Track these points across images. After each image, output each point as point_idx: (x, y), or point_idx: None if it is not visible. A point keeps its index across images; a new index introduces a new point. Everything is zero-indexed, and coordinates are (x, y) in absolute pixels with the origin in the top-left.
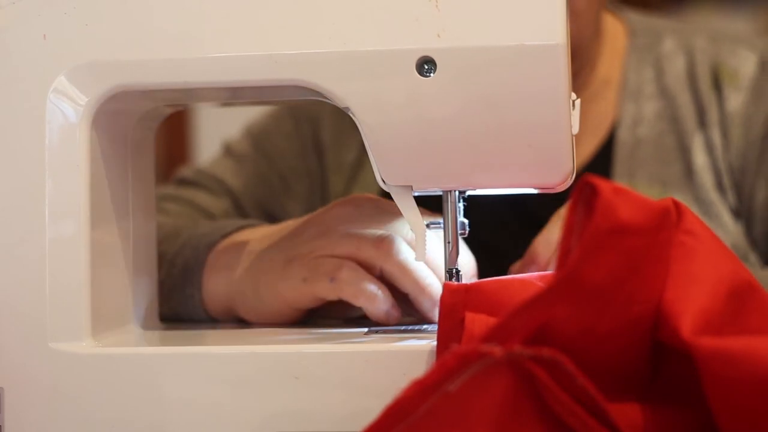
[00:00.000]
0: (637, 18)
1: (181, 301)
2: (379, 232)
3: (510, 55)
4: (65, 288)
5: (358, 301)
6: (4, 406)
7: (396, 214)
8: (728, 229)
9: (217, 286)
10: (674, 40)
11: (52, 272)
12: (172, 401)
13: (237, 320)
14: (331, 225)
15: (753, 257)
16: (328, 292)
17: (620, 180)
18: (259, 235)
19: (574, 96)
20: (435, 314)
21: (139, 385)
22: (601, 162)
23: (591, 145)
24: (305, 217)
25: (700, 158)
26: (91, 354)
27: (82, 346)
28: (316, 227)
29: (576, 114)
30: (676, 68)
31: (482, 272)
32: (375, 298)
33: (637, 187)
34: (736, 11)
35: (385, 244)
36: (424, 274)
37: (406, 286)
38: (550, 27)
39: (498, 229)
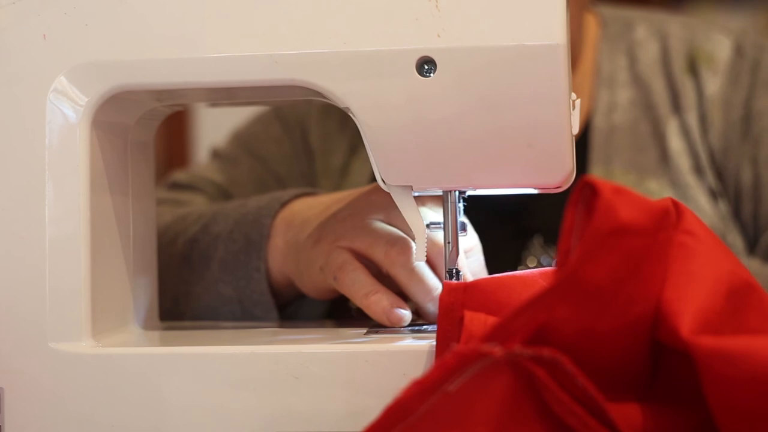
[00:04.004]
0: (608, 9)
1: (245, 275)
2: (396, 233)
3: (510, 55)
4: (65, 288)
5: (356, 302)
6: (4, 406)
7: (432, 208)
8: (704, 212)
9: (282, 260)
10: (646, 28)
11: (52, 272)
12: (172, 401)
13: (297, 294)
14: (361, 211)
15: (731, 238)
16: (335, 286)
17: (596, 167)
18: (315, 204)
19: (574, 96)
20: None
21: (139, 385)
22: (579, 148)
23: None
24: (350, 193)
25: (675, 143)
26: (91, 354)
27: (82, 346)
28: (348, 210)
29: (576, 114)
30: (649, 55)
31: None
32: (365, 299)
33: (613, 174)
34: (736, 11)
35: (395, 249)
36: (431, 283)
37: (410, 292)
38: (550, 27)
39: (485, 237)
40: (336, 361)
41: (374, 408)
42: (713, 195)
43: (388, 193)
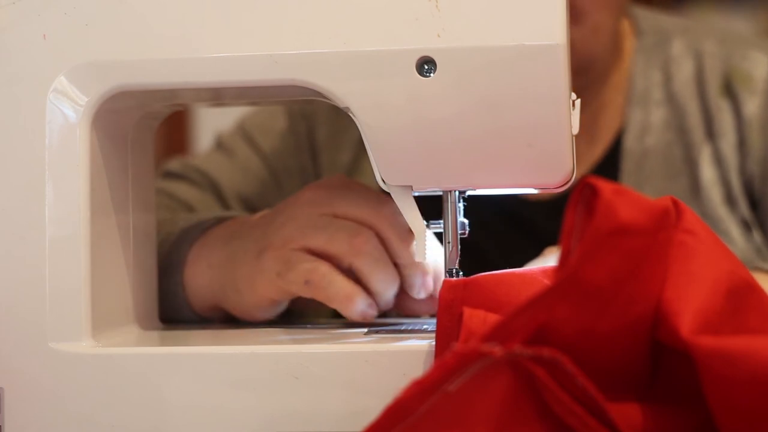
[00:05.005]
0: (644, 15)
1: (165, 299)
2: (351, 224)
3: (510, 55)
4: (65, 288)
5: (332, 304)
6: (4, 406)
7: (367, 192)
8: (736, 246)
9: (199, 282)
10: (683, 42)
11: (52, 272)
12: (171, 401)
13: (224, 316)
14: (302, 210)
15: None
16: (302, 291)
17: None
18: (236, 226)
19: (574, 96)
20: (416, 309)
21: (139, 385)
22: (608, 169)
23: (598, 150)
24: (278, 205)
25: (707, 172)
26: (91, 354)
27: (82, 346)
28: (286, 213)
29: (576, 114)
30: (684, 73)
31: None
32: (349, 301)
33: None
34: (736, 11)
35: (359, 239)
36: (394, 273)
37: (374, 280)
38: (550, 27)
39: (492, 238)
40: (336, 361)
41: (374, 408)
42: (746, 226)
43: (323, 187)
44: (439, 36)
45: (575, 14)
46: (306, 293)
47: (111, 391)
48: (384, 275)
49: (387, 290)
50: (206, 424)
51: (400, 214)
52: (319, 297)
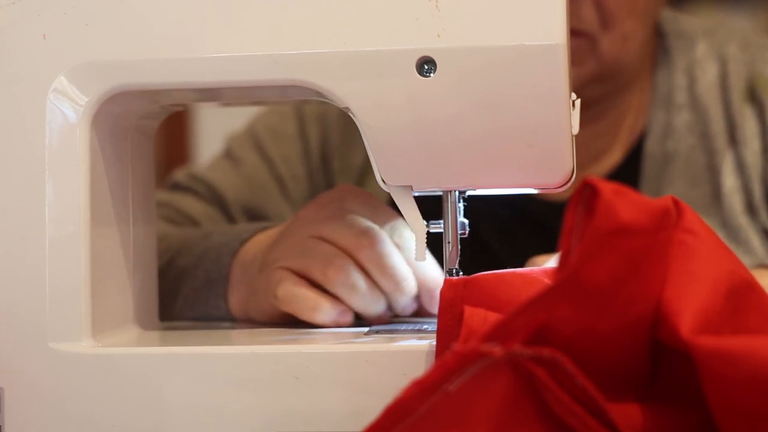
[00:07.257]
0: (667, 16)
1: (207, 313)
2: (332, 251)
3: (510, 55)
4: (65, 288)
5: (303, 316)
6: (4, 406)
7: (355, 219)
8: (757, 255)
9: (239, 298)
10: (706, 45)
11: (52, 272)
12: (171, 401)
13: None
14: (297, 230)
15: None
16: (279, 305)
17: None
18: (268, 242)
19: (574, 96)
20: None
21: (139, 385)
22: (629, 172)
23: (619, 152)
24: (296, 213)
25: (729, 180)
26: (91, 354)
27: (82, 346)
28: (288, 230)
29: (576, 114)
30: (708, 77)
31: None
32: (314, 312)
33: None
34: (736, 11)
35: (331, 270)
36: (371, 299)
37: (353, 306)
38: (550, 27)
39: (504, 237)
40: (336, 361)
41: (374, 408)
42: (767, 235)
43: (315, 206)
44: (439, 36)
45: (605, 20)
46: (282, 308)
47: (111, 391)
48: (361, 300)
49: (369, 310)
50: (206, 424)
51: (385, 242)
52: (289, 310)
